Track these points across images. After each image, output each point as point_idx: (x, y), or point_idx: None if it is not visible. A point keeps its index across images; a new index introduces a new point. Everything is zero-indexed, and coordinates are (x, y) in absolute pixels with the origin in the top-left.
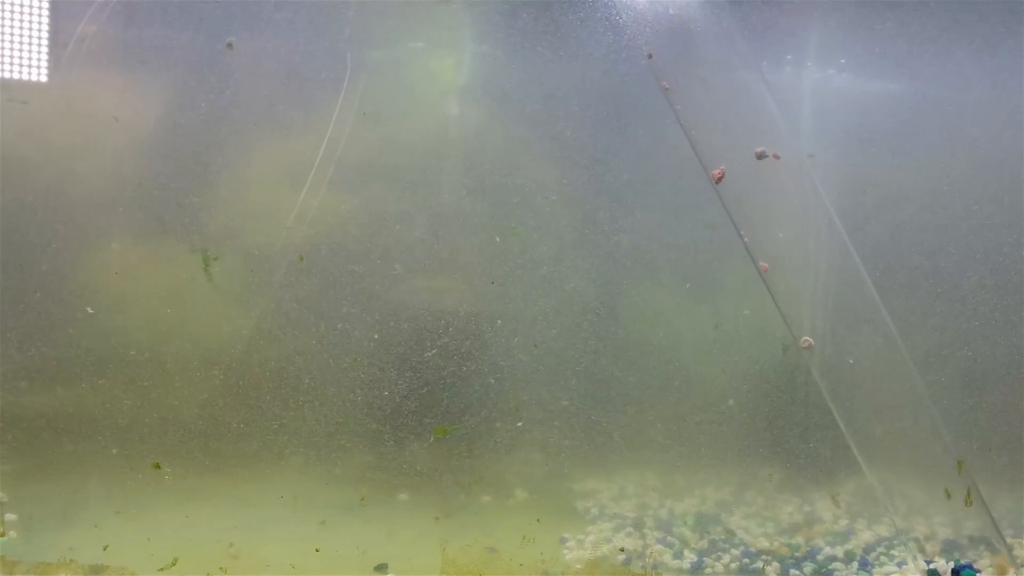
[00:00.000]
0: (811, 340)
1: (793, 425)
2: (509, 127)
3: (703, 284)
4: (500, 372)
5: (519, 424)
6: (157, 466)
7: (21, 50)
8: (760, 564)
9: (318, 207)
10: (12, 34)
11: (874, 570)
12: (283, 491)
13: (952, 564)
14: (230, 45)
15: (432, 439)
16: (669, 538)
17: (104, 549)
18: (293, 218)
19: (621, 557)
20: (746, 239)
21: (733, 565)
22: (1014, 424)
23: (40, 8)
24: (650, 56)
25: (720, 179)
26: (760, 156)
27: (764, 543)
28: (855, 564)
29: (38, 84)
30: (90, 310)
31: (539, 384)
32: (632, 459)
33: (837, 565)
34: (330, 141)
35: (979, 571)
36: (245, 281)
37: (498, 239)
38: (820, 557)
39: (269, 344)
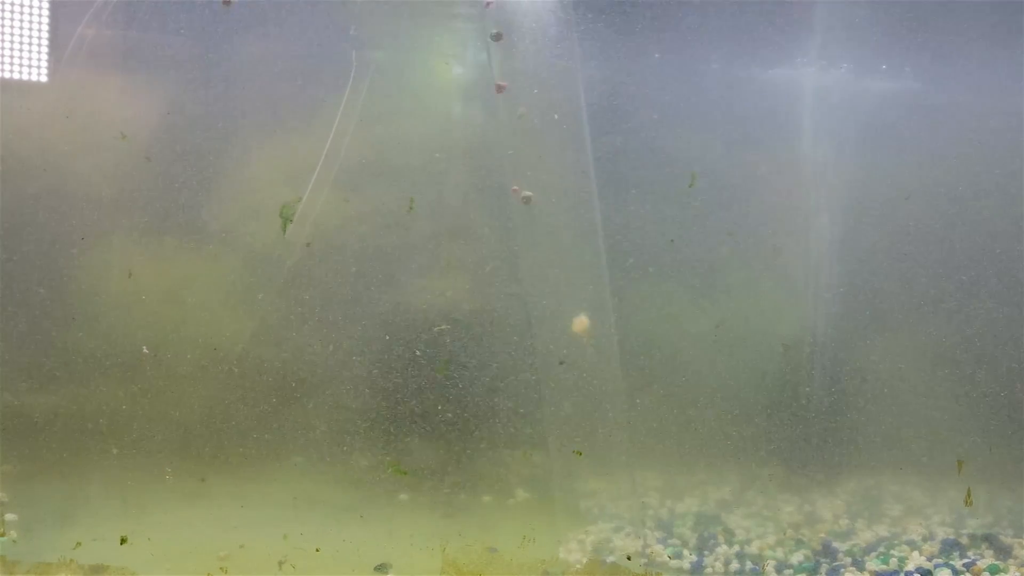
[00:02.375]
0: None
1: (793, 425)
2: (512, 126)
3: (703, 283)
4: (500, 372)
5: (519, 423)
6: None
7: (21, 50)
8: (760, 564)
9: (322, 206)
10: (12, 34)
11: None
12: (283, 491)
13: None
14: (227, 3)
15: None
16: (669, 538)
17: (104, 549)
18: (296, 217)
19: (621, 557)
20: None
21: (733, 565)
22: (1014, 424)
23: (40, 8)
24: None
25: (501, 90)
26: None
27: (764, 543)
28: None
29: (38, 84)
30: (145, 349)
31: (540, 384)
32: (632, 459)
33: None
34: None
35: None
36: (245, 281)
37: (500, 239)
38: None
39: (270, 343)
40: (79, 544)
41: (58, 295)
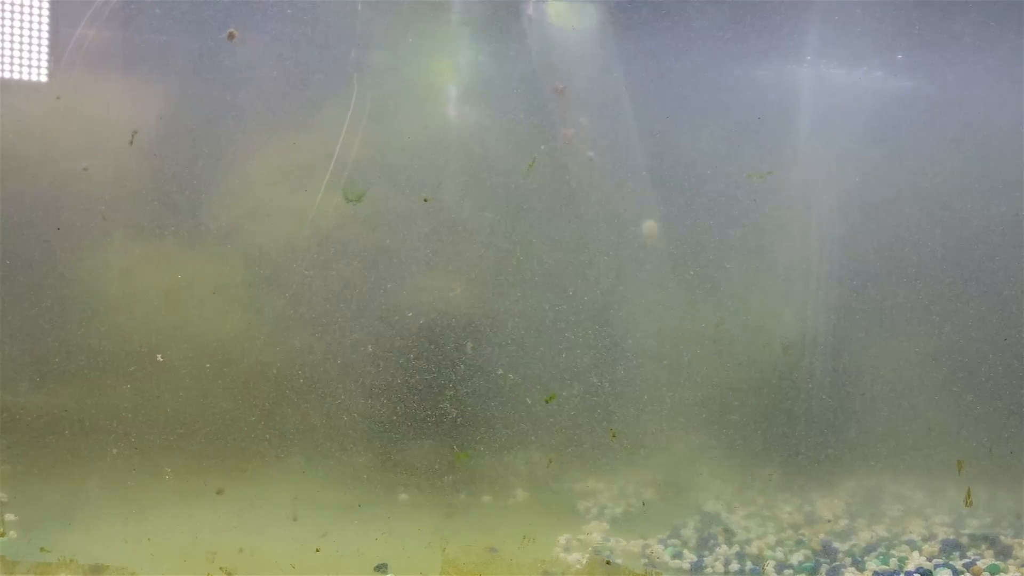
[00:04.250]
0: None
1: (793, 425)
2: (514, 126)
3: (704, 283)
4: (501, 373)
5: (519, 423)
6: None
7: (21, 50)
8: (760, 564)
9: (325, 207)
10: (12, 34)
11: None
12: (284, 491)
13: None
14: (231, 35)
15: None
16: (670, 539)
17: (104, 549)
18: (298, 218)
19: (620, 557)
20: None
21: (733, 565)
22: (1014, 424)
23: (40, 8)
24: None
25: (560, 91)
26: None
27: (764, 543)
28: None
29: (38, 84)
30: (160, 358)
31: (540, 384)
32: (632, 459)
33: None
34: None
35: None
36: (247, 281)
37: (501, 239)
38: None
39: (271, 343)
40: (94, 526)
41: (58, 295)
